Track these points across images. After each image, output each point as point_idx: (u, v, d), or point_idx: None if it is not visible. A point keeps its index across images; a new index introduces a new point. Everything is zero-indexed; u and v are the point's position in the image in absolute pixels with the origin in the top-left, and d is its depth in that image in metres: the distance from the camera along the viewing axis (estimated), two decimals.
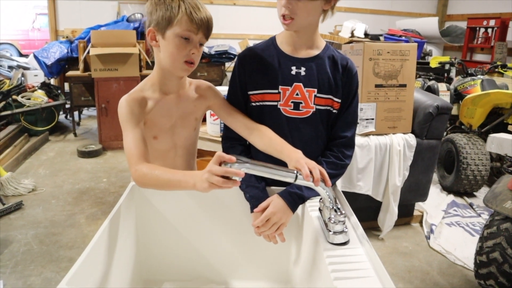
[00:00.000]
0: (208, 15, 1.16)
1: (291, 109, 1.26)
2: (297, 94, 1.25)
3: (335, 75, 1.26)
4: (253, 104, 1.28)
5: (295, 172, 0.95)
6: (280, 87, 1.25)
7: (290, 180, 0.95)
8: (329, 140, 1.31)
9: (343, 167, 1.28)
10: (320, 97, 1.25)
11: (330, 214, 0.98)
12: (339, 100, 1.27)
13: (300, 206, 1.18)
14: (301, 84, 1.25)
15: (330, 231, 0.98)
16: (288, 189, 1.18)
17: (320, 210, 1.07)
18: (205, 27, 1.16)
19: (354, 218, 1.09)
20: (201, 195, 1.23)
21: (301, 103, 1.25)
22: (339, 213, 0.96)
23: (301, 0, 1.12)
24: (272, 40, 1.31)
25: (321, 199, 1.05)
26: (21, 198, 3.16)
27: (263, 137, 1.21)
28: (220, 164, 0.90)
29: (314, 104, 1.25)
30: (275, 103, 1.26)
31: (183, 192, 1.23)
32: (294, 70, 1.25)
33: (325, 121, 1.29)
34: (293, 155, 1.07)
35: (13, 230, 2.71)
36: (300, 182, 0.96)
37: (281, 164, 1.03)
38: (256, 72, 1.27)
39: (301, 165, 0.98)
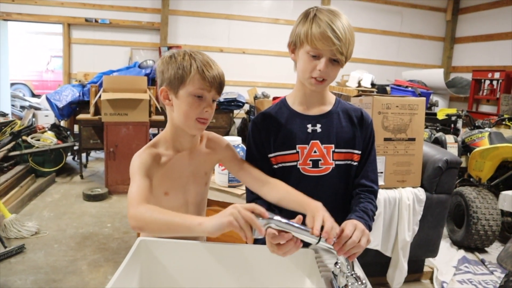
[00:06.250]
0: (220, 72, 1.18)
1: (310, 168, 1.25)
2: (315, 152, 1.25)
3: (351, 128, 1.27)
4: (275, 166, 1.28)
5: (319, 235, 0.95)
6: (297, 146, 1.25)
7: (312, 241, 0.95)
8: (355, 188, 1.30)
9: (374, 212, 1.26)
10: (339, 152, 1.26)
11: (347, 281, 0.94)
12: (359, 152, 1.28)
13: (312, 267, 1.14)
14: (318, 141, 1.25)
15: None
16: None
17: (334, 274, 1.04)
18: (218, 84, 1.17)
19: (368, 285, 1.05)
20: (209, 254, 1.20)
21: (320, 160, 1.25)
22: (359, 282, 0.93)
23: (335, 65, 1.18)
24: (283, 101, 1.33)
25: (336, 263, 1.02)
26: (24, 241, 3.12)
27: (278, 190, 1.19)
28: None
29: (333, 160, 1.25)
30: (294, 163, 1.26)
31: (191, 250, 1.20)
32: (310, 128, 1.26)
33: (345, 177, 1.28)
34: (313, 205, 1.05)
35: (12, 275, 2.65)
36: (322, 244, 0.95)
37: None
38: (272, 134, 1.28)
39: (317, 217, 0.97)
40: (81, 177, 4.95)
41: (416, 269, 2.84)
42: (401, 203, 2.50)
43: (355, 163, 1.28)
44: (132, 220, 1.01)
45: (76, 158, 5.60)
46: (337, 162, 1.25)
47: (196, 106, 1.15)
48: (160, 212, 1.00)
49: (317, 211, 1.00)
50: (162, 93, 1.19)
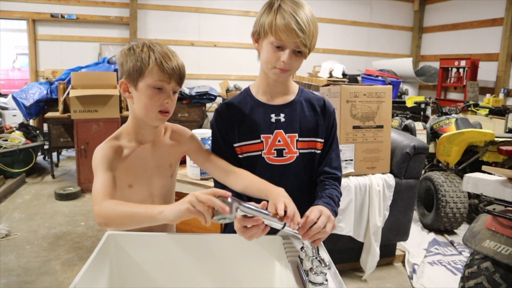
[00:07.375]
0: (179, 63, 1.17)
1: (275, 157, 1.27)
2: (279, 141, 1.26)
3: (314, 117, 1.29)
4: (240, 156, 1.29)
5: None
6: (261, 135, 1.26)
7: (278, 226, 0.96)
8: (319, 176, 1.31)
9: (339, 198, 1.29)
10: (303, 140, 1.27)
11: (312, 264, 0.97)
12: (322, 140, 1.30)
13: (280, 253, 1.16)
14: (281, 130, 1.26)
15: (310, 282, 0.96)
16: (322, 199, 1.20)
17: (300, 258, 1.06)
18: (177, 76, 1.16)
19: (333, 267, 1.08)
20: (178, 246, 1.20)
21: (284, 149, 1.26)
22: (323, 265, 0.95)
23: (299, 56, 1.18)
24: (247, 91, 1.34)
25: (302, 248, 1.04)
26: None
27: (243, 179, 1.20)
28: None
29: (297, 148, 1.27)
30: (259, 153, 1.27)
31: (160, 242, 1.21)
32: (273, 117, 1.27)
33: (309, 165, 1.30)
34: (275, 191, 1.08)
35: None
36: (288, 230, 0.97)
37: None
38: (236, 124, 1.28)
39: (279, 201, 0.99)
40: (53, 176, 4.85)
41: (388, 253, 2.91)
42: (371, 189, 2.55)
43: (319, 151, 1.30)
44: (97, 217, 1.03)
45: (47, 157, 5.47)
46: (301, 151, 1.27)
47: (156, 98, 1.14)
48: (122, 205, 1.02)
49: (279, 197, 1.02)
50: (121, 85, 1.18)
